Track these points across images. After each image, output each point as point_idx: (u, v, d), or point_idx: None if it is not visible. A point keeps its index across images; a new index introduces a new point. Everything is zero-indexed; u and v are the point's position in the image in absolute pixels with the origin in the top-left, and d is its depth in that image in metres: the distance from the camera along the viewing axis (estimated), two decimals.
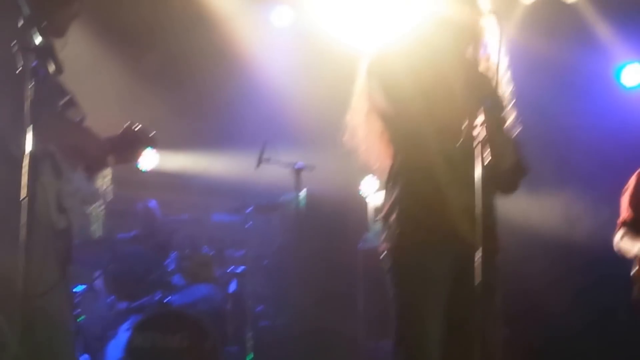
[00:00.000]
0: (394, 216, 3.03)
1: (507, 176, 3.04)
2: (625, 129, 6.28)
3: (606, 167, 5.88)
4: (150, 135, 3.06)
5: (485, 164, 2.71)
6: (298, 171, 5.92)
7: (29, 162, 2.35)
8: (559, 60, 6.19)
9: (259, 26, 6.96)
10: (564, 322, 5.93)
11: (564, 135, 6.34)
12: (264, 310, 6.53)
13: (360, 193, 6.91)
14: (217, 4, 6.72)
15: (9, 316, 2.79)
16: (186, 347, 5.65)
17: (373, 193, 6.58)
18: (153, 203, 6.73)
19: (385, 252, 3.06)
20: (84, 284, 5.74)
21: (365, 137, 3.14)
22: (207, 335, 5.63)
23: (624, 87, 6.75)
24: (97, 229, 3.17)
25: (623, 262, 4.29)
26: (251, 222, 6.15)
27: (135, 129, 3.06)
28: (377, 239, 5.85)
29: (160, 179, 6.96)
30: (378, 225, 6.09)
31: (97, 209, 3.15)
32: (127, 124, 3.10)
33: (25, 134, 2.45)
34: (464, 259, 2.84)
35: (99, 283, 6.09)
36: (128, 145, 3.05)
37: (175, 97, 7.00)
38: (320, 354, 6.30)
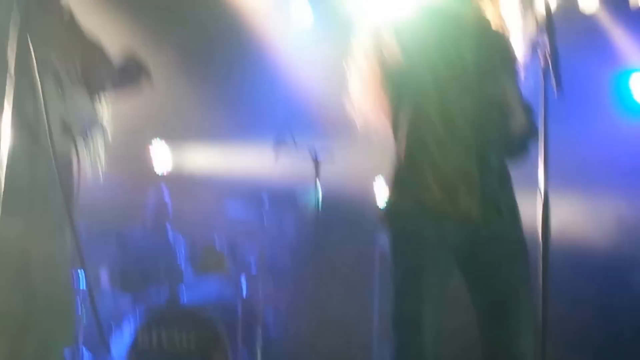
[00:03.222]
0: (387, 181, 2.75)
1: (517, 139, 2.73)
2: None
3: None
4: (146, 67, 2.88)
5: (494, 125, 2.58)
6: (317, 162, 5.63)
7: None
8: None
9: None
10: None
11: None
12: (276, 313, 6.25)
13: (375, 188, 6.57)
14: None
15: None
16: (194, 349, 5.46)
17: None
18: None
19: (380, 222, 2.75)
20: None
21: (365, 98, 2.82)
22: (217, 337, 5.43)
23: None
24: (100, 163, 2.91)
25: None
26: (266, 217, 5.88)
27: (136, 57, 2.88)
28: None
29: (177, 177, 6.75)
30: None
31: (97, 142, 2.91)
32: (126, 49, 2.92)
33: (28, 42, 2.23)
34: (465, 231, 2.60)
35: (103, 277, 5.90)
36: (130, 71, 2.89)
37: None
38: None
